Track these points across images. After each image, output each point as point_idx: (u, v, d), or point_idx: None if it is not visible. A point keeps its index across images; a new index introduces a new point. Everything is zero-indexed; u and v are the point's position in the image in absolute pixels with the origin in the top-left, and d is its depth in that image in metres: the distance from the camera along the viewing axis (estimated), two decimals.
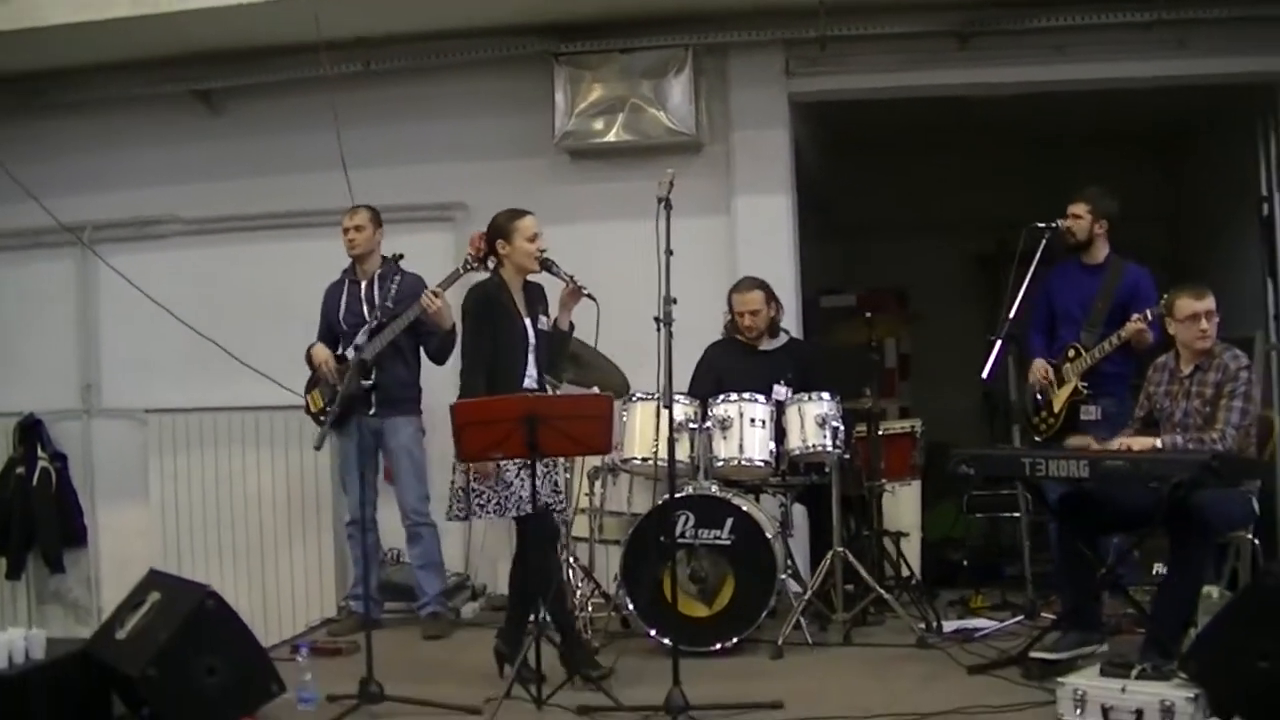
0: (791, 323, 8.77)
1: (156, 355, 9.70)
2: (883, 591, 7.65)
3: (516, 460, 6.51)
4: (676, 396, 7.14)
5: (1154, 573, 7.62)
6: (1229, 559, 7.46)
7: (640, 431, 7.57)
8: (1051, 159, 11.24)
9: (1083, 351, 7.69)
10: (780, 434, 7.65)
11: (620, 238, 8.85)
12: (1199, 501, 6.09)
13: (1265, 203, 9.26)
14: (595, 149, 9.24)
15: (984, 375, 7.67)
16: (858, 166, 12.10)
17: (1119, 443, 6.57)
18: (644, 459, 7.51)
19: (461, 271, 7.50)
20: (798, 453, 7.62)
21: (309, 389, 8.39)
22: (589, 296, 6.79)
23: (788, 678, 6.78)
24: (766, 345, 8.29)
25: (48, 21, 8.56)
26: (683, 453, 7.34)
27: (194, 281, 9.61)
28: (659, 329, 6.28)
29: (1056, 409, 7.81)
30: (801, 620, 7.43)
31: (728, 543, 7.27)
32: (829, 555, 7.59)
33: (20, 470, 9.78)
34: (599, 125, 9.13)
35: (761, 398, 7.66)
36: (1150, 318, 7.30)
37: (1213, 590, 6.63)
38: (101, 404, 9.96)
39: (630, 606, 7.33)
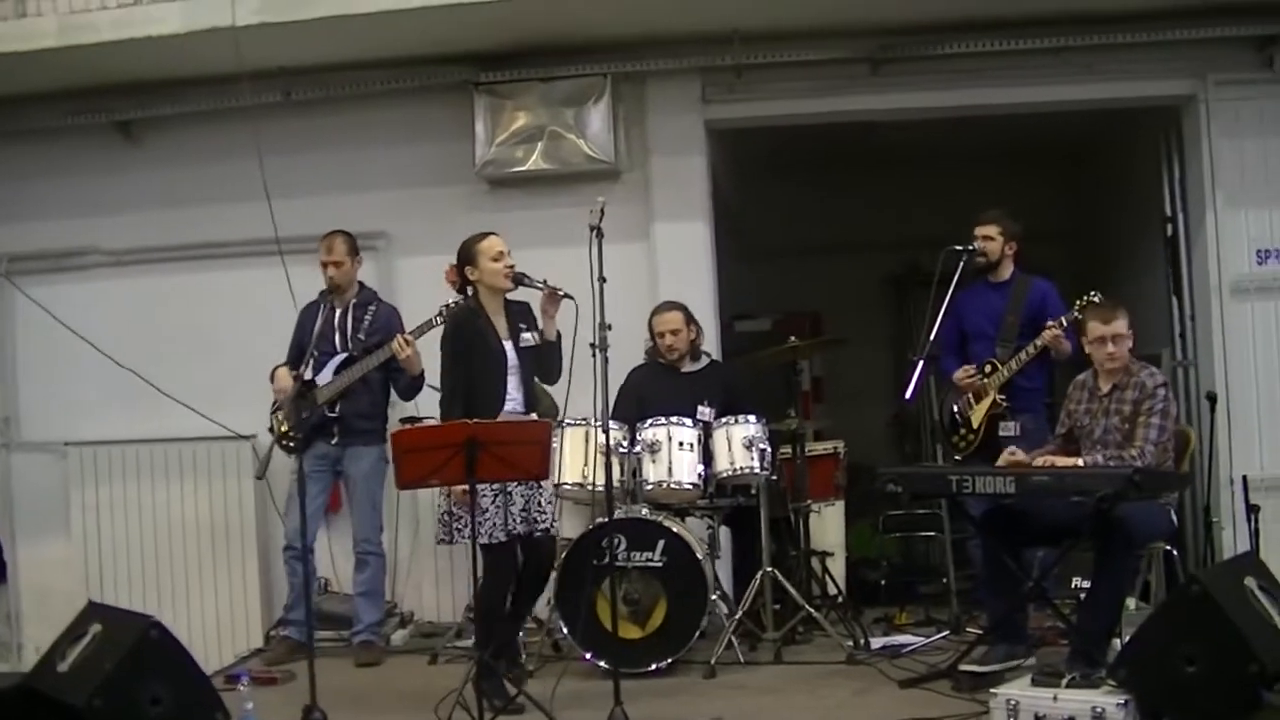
0: (711, 348, 8.85)
1: (76, 388, 9.62)
2: (811, 610, 7.78)
3: (495, 486, 6.57)
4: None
5: (1073, 586, 7.78)
6: (1140, 571, 7.65)
7: (570, 456, 7.64)
8: (958, 180, 11.31)
9: (999, 366, 7.86)
10: (708, 456, 7.76)
11: (542, 265, 8.80)
12: (1122, 514, 6.26)
13: (1169, 222, 9.45)
14: (515, 177, 9.26)
15: (906, 396, 7.82)
16: (766, 190, 12.21)
17: (1042, 460, 6.74)
18: (576, 484, 7.61)
19: (436, 322, 7.44)
20: (726, 475, 7.73)
21: (274, 411, 8.36)
22: (566, 296, 6.76)
23: (724, 696, 6.89)
24: (689, 368, 8.39)
25: None
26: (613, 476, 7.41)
27: (115, 313, 9.55)
28: (594, 354, 6.39)
29: (976, 424, 7.96)
30: (733, 639, 7.53)
31: (660, 564, 7.35)
32: (759, 575, 7.71)
33: None
34: (519, 153, 9.16)
35: (689, 421, 7.77)
36: (1065, 324, 7.51)
37: (1129, 601, 6.84)
38: (20, 437, 9.87)
39: (565, 630, 7.38)
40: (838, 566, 8.82)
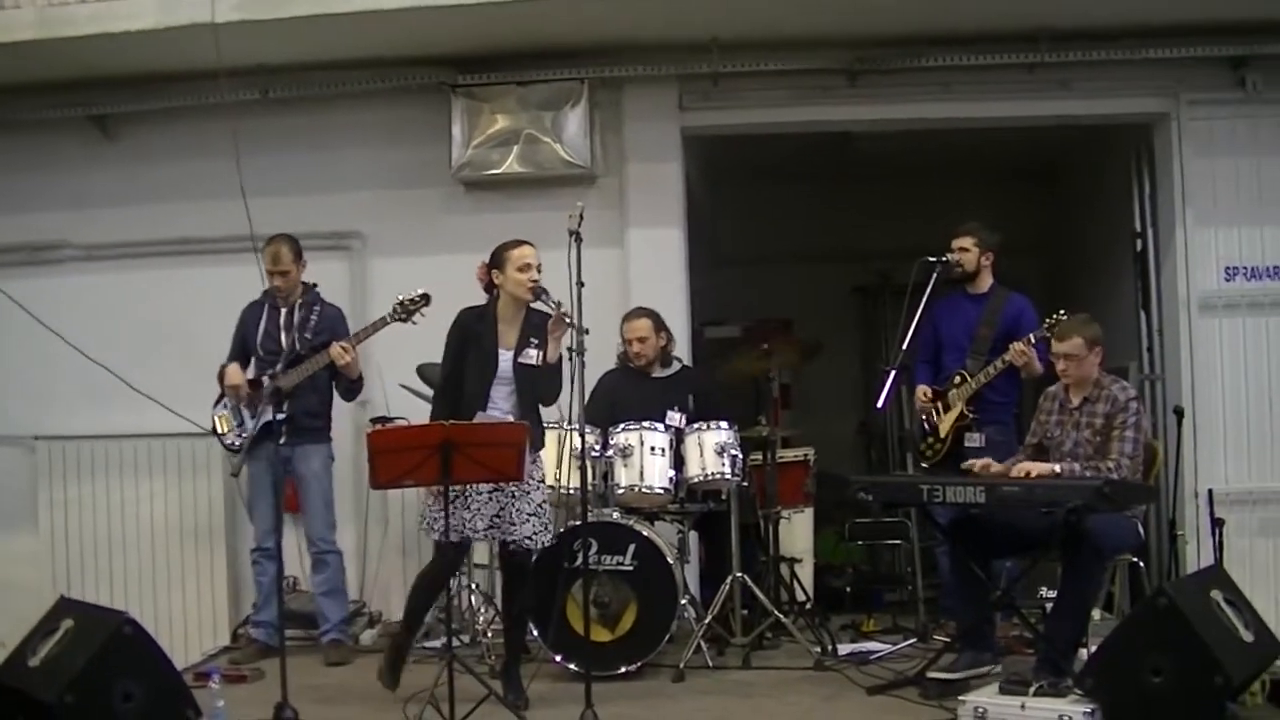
0: (682, 353, 8.89)
1: (47, 381, 9.58)
2: (780, 615, 7.83)
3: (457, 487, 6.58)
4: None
5: (1039, 595, 7.84)
6: (1106, 583, 7.72)
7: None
8: (930, 191, 11.45)
9: (968, 378, 7.93)
10: (680, 461, 7.80)
11: None
12: (1091, 526, 6.33)
13: (1139, 238, 9.54)
14: (491, 180, 9.26)
15: (878, 405, 7.89)
16: (739, 196, 12.32)
17: (1021, 468, 6.81)
18: (548, 487, 7.60)
19: (388, 320, 7.50)
20: (697, 480, 7.78)
21: (216, 410, 8.29)
22: (573, 325, 6.57)
23: (693, 700, 6.96)
24: (659, 373, 8.45)
25: None
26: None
27: (88, 308, 9.51)
28: (571, 359, 6.42)
29: (943, 434, 8.04)
30: (702, 644, 7.58)
31: (630, 568, 7.40)
32: (729, 580, 7.76)
33: None
34: (495, 156, 9.15)
35: (661, 426, 7.82)
36: (1034, 341, 7.59)
37: (1095, 612, 6.91)
38: None
39: (535, 633, 7.39)
40: (806, 573, 8.88)
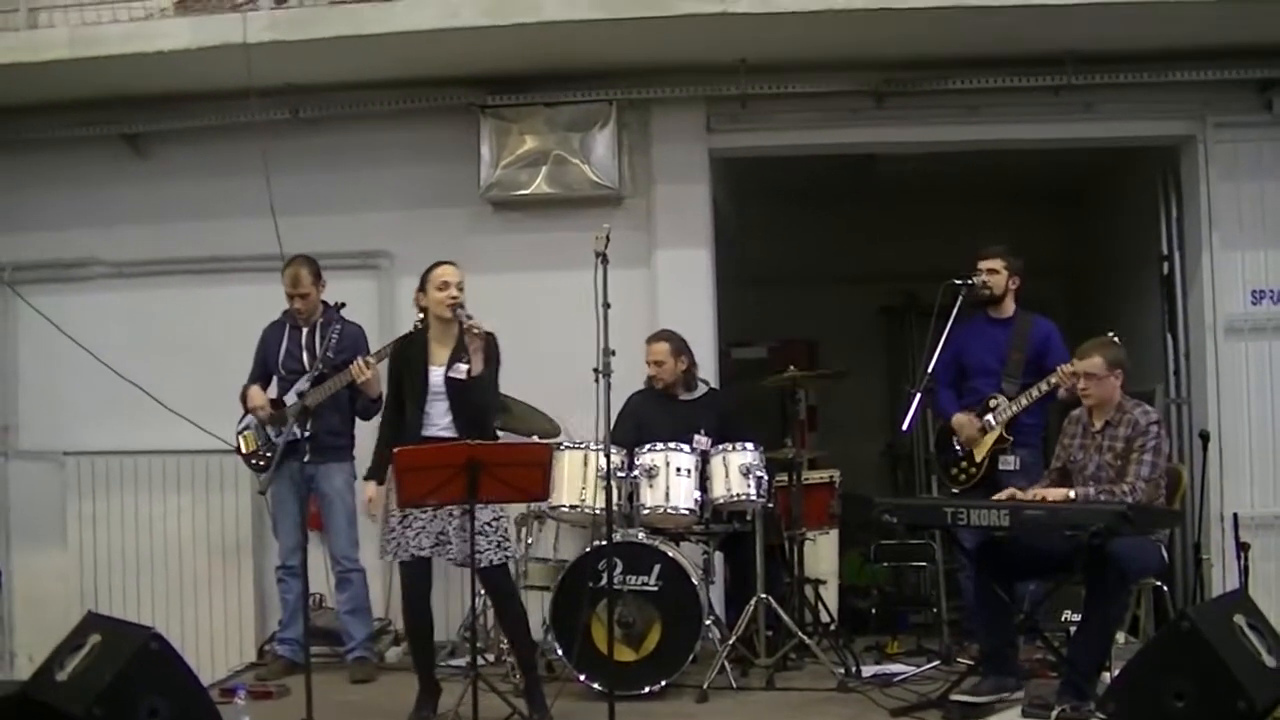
0: (709, 375, 8.90)
1: (76, 397, 9.66)
2: (804, 637, 7.83)
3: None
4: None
5: (1063, 619, 7.84)
6: (1130, 606, 7.72)
7: (568, 479, 7.72)
8: (956, 214, 11.42)
9: (1006, 401, 7.90)
10: (705, 482, 7.81)
11: (543, 288, 9.09)
12: (1114, 549, 6.33)
13: (1165, 261, 9.54)
14: (519, 200, 9.31)
15: (904, 427, 7.88)
16: (766, 218, 12.31)
17: (1034, 493, 6.81)
18: (572, 506, 7.68)
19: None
20: (722, 501, 7.78)
21: (240, 430, 8.38)
22: (479, 334, 6.69)
23: None
24: (685, 396, 8.46)
25: None
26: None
27: (117, 324, 9.60)
28: (598, 380, 6.45)
29: (979, 458, 7.98)
30: (726, 664, 7.57)
31: (655, 589, 7.42)
32: (753, 601, 7.76)
33: None
34: (523, 177, 9.20)
35: (686, 447, 7.83)
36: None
37: (1118, 635, 6.90)
38: (19, 445, 9.90)
39: (559, 652, 7.43)
40: (831, 594, 8.88)
